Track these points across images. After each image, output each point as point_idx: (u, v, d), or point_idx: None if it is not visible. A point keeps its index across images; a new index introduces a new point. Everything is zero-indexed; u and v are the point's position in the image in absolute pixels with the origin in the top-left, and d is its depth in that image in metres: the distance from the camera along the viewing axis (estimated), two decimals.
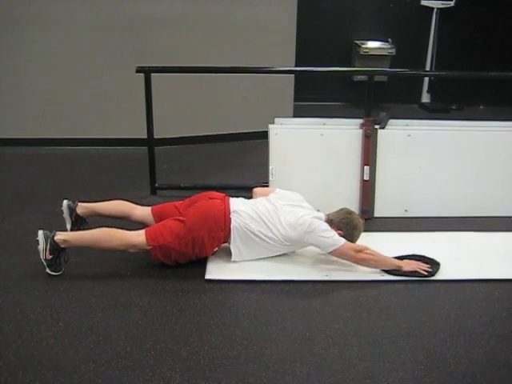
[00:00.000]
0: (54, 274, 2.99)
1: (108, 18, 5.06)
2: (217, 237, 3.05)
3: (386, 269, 3.10)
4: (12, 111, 5.26)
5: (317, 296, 2.93)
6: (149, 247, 2.98)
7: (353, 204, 3.84)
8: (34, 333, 2.53)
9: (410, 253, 3.25)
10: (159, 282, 3.01)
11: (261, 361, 2.39)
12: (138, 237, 3.00)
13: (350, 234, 3.16)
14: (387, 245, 3.46)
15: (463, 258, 3.32)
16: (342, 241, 3.04)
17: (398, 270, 3.07)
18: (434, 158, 3.91)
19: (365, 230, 3.63)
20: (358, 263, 3.08)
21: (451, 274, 3.13)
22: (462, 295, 2.96)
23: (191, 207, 3.13)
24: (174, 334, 2.56)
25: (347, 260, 3.09)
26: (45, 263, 2.96)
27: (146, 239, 2.97)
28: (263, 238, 3.07)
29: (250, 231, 3.06)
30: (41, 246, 2.94)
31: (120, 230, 3.05)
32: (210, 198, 3.17)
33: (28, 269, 3.02)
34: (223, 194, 3.23)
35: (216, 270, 3.09)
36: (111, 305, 2.77)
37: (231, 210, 3.09)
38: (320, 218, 3.14)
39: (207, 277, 3.03)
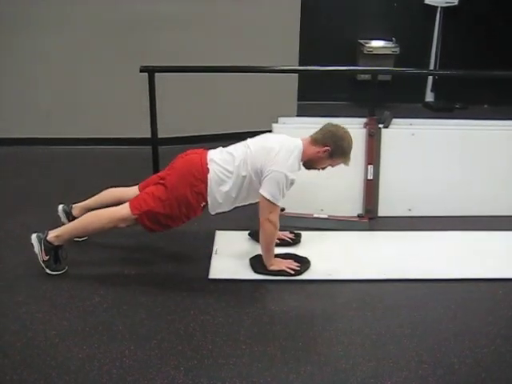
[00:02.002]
0: (54, 273, 2.99)
1: (112, 18, 5.07)
2: (199, 191, 2.98)
3: (256, 268, 3.06)
4: (17, 111, 5.27)
5: (320, 295, 2.93)
6: (135, 216, 2.96)
7: (356, 203, 3.84)
8: (39, 332, 2.53)
9: (284, 251, 3.23)
10: (163, 281, 3.02)
11: (265, 360, 2.39)
12: (123, 210, 2.99)
13: (338, 147, 3.05)
14: (391, 244, 3.48)
15: (467, 257, 3.32)
16: (277, 202, 2.93)
17: (266, 269, 3.04)
18: (438, 157, 3.91)
19: (369, 229, 3.65)
20: (265, 223, 2.95)
21: (456, 273, 3.12)
22: (467, 294, 2.95)
23: (170, 169, 3.11)
24: (178, 333, 2.56)
25: (259, 217, 2.98)
26: (43, 265, 2.98)
27: (131, 209, 2.96)
28: (236, 175, 2.99)
29: (225, 173, 2.99)
30: (36, 249, 2.96)
31: (105, 209, 3.07)
32: (186, 155, 3.14)
33: (32, 268, 3.02)
34: (201, 149, 3.17)
35: (220, 270, 3.09)
36: (115, 304, 2.78)
37: (208, 159, 3.04)
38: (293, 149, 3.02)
39: (211, 276, 3.03)
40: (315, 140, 3.08)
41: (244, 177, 2.99)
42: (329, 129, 3.10)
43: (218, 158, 3.05)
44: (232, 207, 3.14)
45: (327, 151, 3.04)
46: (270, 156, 2.97)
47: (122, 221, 3.00)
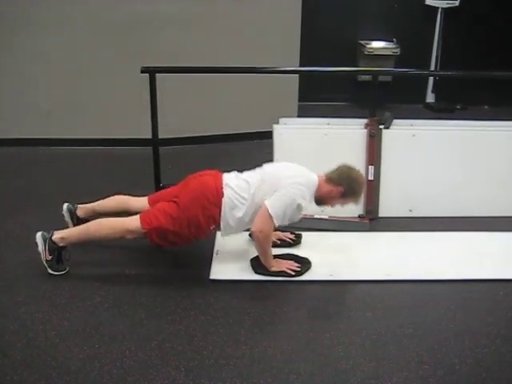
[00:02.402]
0: (56, 273, 3.00)
1: (113, 18, 5.07)
2: (211, 214, 2.99)
3: (257, 269, 3.07)
4: (18, 111, 5.27)
5: (321, 296, 2.93)
6: (144, 231, 2.96)
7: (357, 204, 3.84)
8: (39, 332, 2.54)
9: (285, 252, 3.24)
10: (164, 281, 3.02)
11: (265, 360, 2.39)
12: (132, 221, 2.99)
13: (351, 188, 3.08)
14: (391, 244, 3.48)
15: (468, 257, 3.32)
16: (275, 220, 2.92)
17: (267, 270, 3.05)
18: (439, 157, 3.91)
19: (369, 230, 3.65)
20: (256, 233, 2.96)
21: (456, 273, 3.12)
22: (467, 295, 2.95)
23: (183, 187, 3.11)
24: (179, 333, 2.56)
25: (252, 225, 2.98)
26: (46, 264, 2.98)
27: (141, 223, 2.96)
28: (250, 202, 3.00)
29: (239, 199, 3.00)
30: (40, 248, 2.96)
31: (114, 218, 3.07)
32: (201, 176, 3.14)
33: (33, 268, 3.03)
34: (216, 171, 3.19)
35: (221, 270, 3.10)
36: (116, 304, 2.78)
37: (223, 184, 3.05)
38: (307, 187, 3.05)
39: (212, 277, 3.04)
40: (330, 179, 3.11)
41: (258, 203, 3.00)
42: (344, 170, 3.14)
43: (233, 183, 3.06)
44: (244, 229, 3.15)
45: (340, 192, 3.08)
46: (284, 183, 3.00)
47: (130, 233, 3.00)
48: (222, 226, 3.05)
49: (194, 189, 3.06)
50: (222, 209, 3.00)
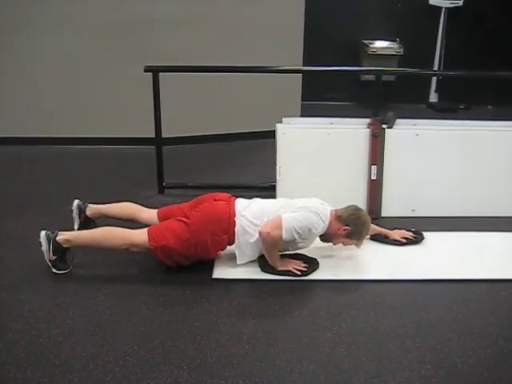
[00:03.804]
0: (60, 272, 3.00)
1: (117, 19, 5.08)
2: (220, 240, 3.01)
3: (264, 267, 3.07)
4: (20, 110, 5.28)
5: (324, 295, 2.93)
6: (150, 247, 2.97)
7: (360, 203, 3.82)
8: (43, 330, 2.54)
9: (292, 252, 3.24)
10: (167, 280, 3.02)
11: (268, 359, 2.39)
12: (140, 235, 2.99)
13: (357, 230, 3.11)
14: (394, 244, 3.47)
15: (470, 257, 3.32)
16: (284, 234, 2.91)
17: (273, 269, 3.05)
18: (442, 157, 3.91)
19: None
20: (263, 234, 2.92)
21: (458, 274, 3.12)
22: (469, 295, 2.95)
23: (195, 209, 3.09)
24: (182, 332, 2.56)
25: (261, 227, 2.96)
26: (49, 264, 2.98)
27: (148, 239, 2.96)
28: None
29: (252, 227, 3.00)
30: (44, 247, 2.96)
31: (122, 229, 3.06)
32: (214, 200, 3.13)
33: (36, 267, 3.04)
34: (229, 195, 3.19)
35: (223, 270, 3.10)
36: (119, 303, 2.78)
37: (236, 211, 3.05)
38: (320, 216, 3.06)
39: (215, 276, 3.04)
40: (339, 217, 3.11)
41: None
42: (354, 212, 3.15)
43: (247, 212, 3.05)
44: (260, 255, 3.14)
45: (347, 231, 3.08)
46: (306, 208, 3.02)
47: (136, 246, 3.00)
48: (237, 253, 3.07)
49: (206, 213, 3.05)
50: (235, 238, 3.02)
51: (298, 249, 3.16)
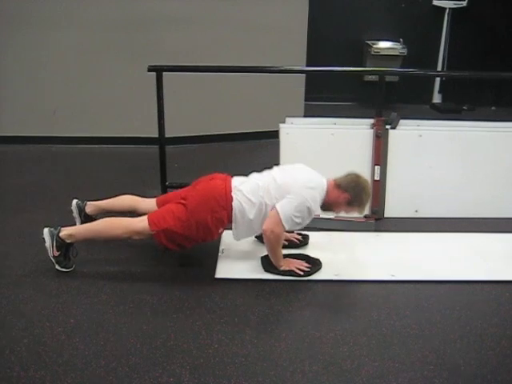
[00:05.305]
0: (64, 270, 3.01)
1: (120, 18, 5.09)
2: (220, 217, 3.00)
3: (266, 267, 3.08)
4: (24, 109, 5.29)
5: (326, 295, 2.93)
6: (152, 232, 2.97)
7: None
8: (46, 329, 2.55)
9: (296, 252, 3.25)
10: (170, 280, 3.03)
11: (270, 359, 2.40)
12: (140, 223, 3.00)
13: (357, 197, 3.08)
14: (397, 245, 3.47)
15: (473, 259, 3.32)
16: (285, 224, 2.93)
17: (276, 268, 3.05)
18: (445, 158, 3.91)
19: (375, 230, 3.65)
20: (267, 233, 2.95)
21: (461, 274, 3.12)
22: (472, 296, 2.95)
23: (193, 190, 3.11)
24: (184, 331, 2.57)
25: (263, 224, 2.98)
26: (53, 260, 2.99)
27: (149, 224, 2.97)
28: (259, 205, 3.01)
29: (248, 203, 3.01)
30: (47, 244, 2.97)
31: (123, 218, 3.08)
32: (210, 179, 3.15)
33: (39, 265, 3.05)
34: (225, 175, 3.19)
35: (226, 269, 3.10)
36: (122, 302, 2.79)
37: (232, 187, 3.05)
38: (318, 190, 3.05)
39: (217, 276, 3.04)
40: (338, 185, 3.10)
41: (267, 206, 3.00)
42: (353, 178, 3.13)
43: (242, 187, 3.06)
44: (258, 233, 3.15)
45: (347, 199, 3.07)
46: (295, 186, 3.00)
47: (137, 233, 3.01)
48: (233, 229, 3.08)
49: (203, 192, 3.06)
50: (233, 212, 3.01)
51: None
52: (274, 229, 2.94)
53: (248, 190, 3.04)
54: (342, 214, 3.27)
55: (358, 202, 3.10)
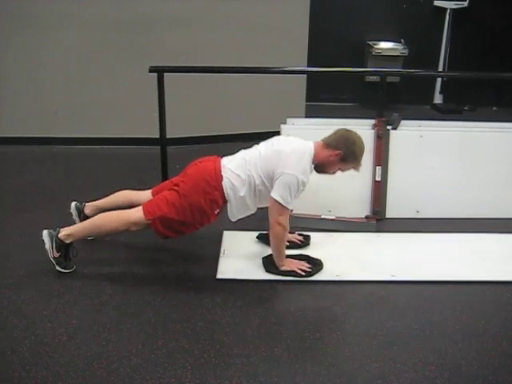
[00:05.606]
0: (64, 271, 3.01)
1: (121, 18, 5.09)
2: (213, 198, 3.00)
3: (268, 268, 3.08)
4: (24, 110, 5.29)
5: (328, 296, 2.93)
6: (148, 221, 2.98)
7: (364, 204, 3.84)
8: (47, 329, 2.55)
9: (298, 253, 3.25)
10: (171, 280, 3.03)
11: (272, 360, 2.40)
12: (136, 213, 3.01)
13: (349, 151, 3.03)
14: (398, 245, 3.47)
15: (475, 259, 3.31)
16: (288, 205, 2.94)
17: (277, 269, 3.06)
18: (447, 159, 3.91)
19: (376, 231, 3.65)
20: (274, 226, 2.97)
21: (463, 275, 3.12)
22: (473, 297, 2.95)
23: (184, 175, 3.12)
24: (186, 332, 2.57)
25: (269, 218, 2.99)
26: (54, 262, 3.00)
27: (144, 214, 2.97)
28: (249, 180, 3.00)
29: (238, 179, 3.01)
30: (47, 245, 2.98)
31: (118, 211, 3.09)
32: (200, 162, 3.16)
33: (41, 266, 3.05)
34: (215, 156, 3.19)
35: (227, 270, 3.10)
36: (123, 303, 2.79)
37: (221, 166, 3.05)
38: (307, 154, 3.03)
39: (219, 276, 3.04)
40: (328, 144, 3.07)
41: (256, 180, 3.00)
42: (342, 133, 3.10)
43: (231, 164, 3.06)
44: (253, 211, 3.15)
45: (339, 155, 3.04)
46: (281, 159, 2.98)
47: (134, 224, 3.01)
48: (228, 209, 3.07)
49: (194, 175, 3.07)
50: (224, 191, 3.01)
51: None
52: (278, 219, 2.95)
53: (236, 167, 3.04)
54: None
55: (352, 157, 3.05)
